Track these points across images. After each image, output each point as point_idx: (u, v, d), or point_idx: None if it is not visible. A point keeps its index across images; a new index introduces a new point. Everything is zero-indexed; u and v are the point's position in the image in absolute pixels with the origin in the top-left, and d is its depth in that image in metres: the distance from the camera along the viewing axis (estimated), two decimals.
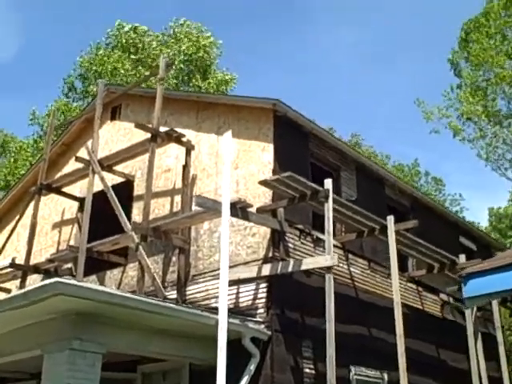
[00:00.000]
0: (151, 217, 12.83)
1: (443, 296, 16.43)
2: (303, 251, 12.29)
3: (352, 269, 13.49)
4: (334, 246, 13.11)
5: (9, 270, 16.46)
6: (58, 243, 16.30)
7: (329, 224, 10.87)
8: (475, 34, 19.98)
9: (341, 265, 12.93)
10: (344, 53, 61.62)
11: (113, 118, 16.60)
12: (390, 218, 12.59)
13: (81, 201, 16.03)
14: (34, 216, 15.27)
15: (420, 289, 15.64)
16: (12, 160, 27.52)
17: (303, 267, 11.03)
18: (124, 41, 28.41)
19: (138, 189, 14.76)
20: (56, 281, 8.09)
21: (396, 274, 12.09)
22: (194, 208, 12.61)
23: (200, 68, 28.08)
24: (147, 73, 23.66)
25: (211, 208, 10.73)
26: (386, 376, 12.99)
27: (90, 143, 14.81)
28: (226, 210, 10.24)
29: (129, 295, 9.01)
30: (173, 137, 13.20)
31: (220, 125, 13.64)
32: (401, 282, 14.93)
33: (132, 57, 27.87)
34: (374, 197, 14.73)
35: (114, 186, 14.30)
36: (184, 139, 13.43)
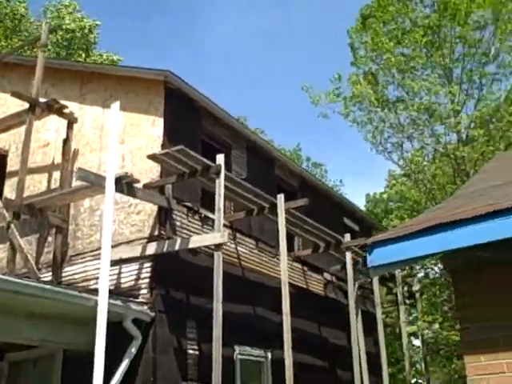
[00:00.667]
0: (26, 194, 12.01)
1: (327, 275, 16.72)
2: (191, 229, 11.96)
3: (240, 248, 13.34)
4: (223, 224, 12.95)
5: None
6: None
7: (220, 201, 10.59)
8: (371, 19, 20.47)
9: (228, 244, 12.72)
10: (241, 39, 61.33)
11: None
12: (280, 197, 12.54)
13: None
14: None
15: (305, 268, 15.80)
16: None
17: (191, 245, 10.70)
18: None
19: (12, 164, 13.78)
20: None
21: (285, 252, 12.09)
22: (75, 184, 11.97)
23: (83, 46, 26.73)
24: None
25: (94, 182, 10.13)
26: (269, 354, 13.00)
27: None
28: (110, 184, 9.68)
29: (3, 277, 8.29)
30: (54, 108, 12.39)
31: (106, 97, 12.95)
32: (287, 261, 15.05)
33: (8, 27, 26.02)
34: (263, 176, 14.63)
35: None
36: (66, 111, 12.66)
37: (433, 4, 20.98)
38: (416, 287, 18.95)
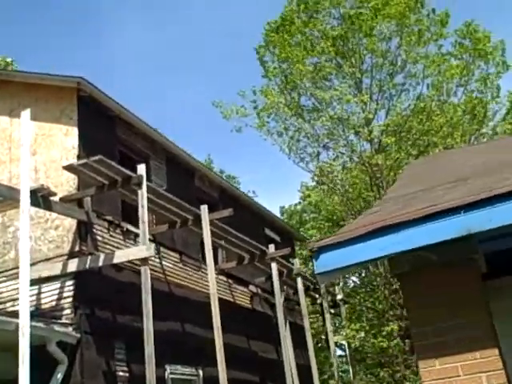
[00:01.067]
0: None
1: (252, 287, 16.36)
2: (113, 244, 11.27)
3: (164, 262, 12.73)
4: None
5: None
6: None
7: (143, 212, 10.00)
8: (278, 32, 20.48)
9: (153, 258, 12.07)
10: (138, 53, 60.22)
11: None
12: (204, 208, 12.09)
13: None
14: None
15: (230, 281, 15.36)
16: None
17: (116, 260, 10.02)
18: None
19: None
20: None
21: (212, 266, 11.62)
22: None
23: None
24: None
25: (7, 196, 9.27)
26: (201, 372, 12.44)
27: None
28: (25, 198, 8.87)
29: None
30: None
31: (14, 106, 12.05)
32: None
33: None
34: (184, 187, 14.11)
35: None
36: None
37: (340, 17, 21.26)
38: (339, 296, 18.93)
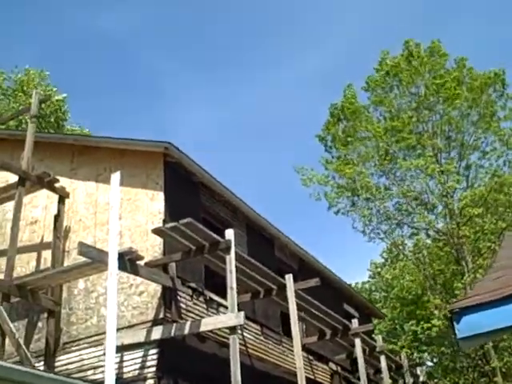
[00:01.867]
0: (14, 275, 10.79)
1: (332, 365, 15.49)
2: (196, 313, 10.85)
3: (245, 334, 12.17)
4: (226, 307, 11.85)
5: None
6: None
7: (231, 278, 9.60)
8: (342, 115, 20.61)
9: None
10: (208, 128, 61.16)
11: None
12: (289, 277, 11.61)
13: None
14: None
15: (310, 357, 14.58)
16: None
17: (203, 328, 9.56)
18: None
19: None
20: None
21: (298, 339, 11.06)
22: (68, 263, 10.88)
23: (53, 124, 25.83)
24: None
25: (96, 258, 9.06)
26: None
27: None
28: (113, 260, 8.65)
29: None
30: (44, 181, 11.42)
31: (100, 171, 12.09)
32: (291, 349, 13.87)
33: None
34: (264, 256, 13.62)
35: None
36: (57, 185, 11.69)
37: (415, 92, 20.97)
38: (422, 377, 17.76)
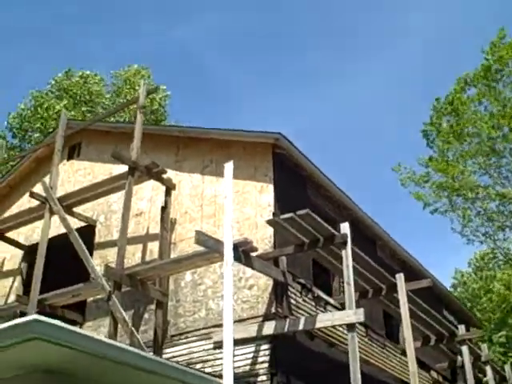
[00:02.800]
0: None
1: (433, 373, 14.79)
2: (305, 309, 10.50)
3: None
4: (333, 306, 11.45)
5: None
6: None
7: (348, 274, 9.17)
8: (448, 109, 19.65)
9: (340, 329, 11.13)
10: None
11: (70, 158, 14.54)
12: (400, 276, 11.03)
13: (26, 249, 13.74)
14: None
15: None
16: None
17: (319, 325, 9.15)
18: (73, 89, 26.40)
19: (101, 235, 12.69)
20: (34, 319, 5.92)
21: (411, 340, 10.45)
22: (174, 254, 10.74)
23: (155, 121, 26.26)
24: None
25: (212, 247, 8.83)
26: None
27: (47, 179, 12.70)
28: (229, 250, 8.38)
29: (131, 348, 6.88)
30: (152, 172, 11.33)
31: (206, 163, 11.93)
32: (395, 354, 13.31)
33: (83, 108, 25.85)
34: (367, 255, 13.16)
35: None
36: (165, 176, 11.59)
37: None
38: None
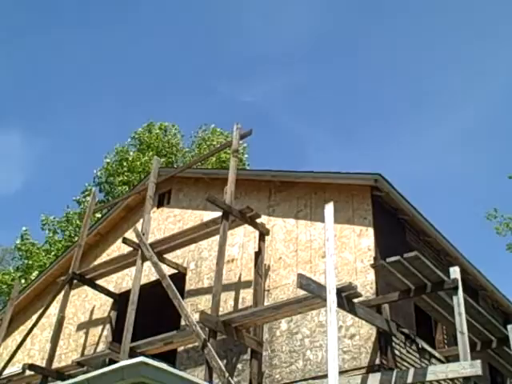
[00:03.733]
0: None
1: None
2: (409, 361, 9.75)
3: None
4: (437, 359, 10.64)
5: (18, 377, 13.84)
6: (84, 347, 13.61)
7: (461, 321, 8.46)
8: None
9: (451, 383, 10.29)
10: None
11: (160, 205, 14.52)
12: None
13: (116, 297, 13.65)
14: (62, 309, 12.75)
15: None
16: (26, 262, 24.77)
17: (431, 377, 8.41)
18: (155, 143, 27.00)
19: (191, 282, 12.42)
20: (142, 361, 5.62)
21: None
22: (268, 302, 10.30)
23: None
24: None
25: (315, 292, 8.36)
26: None
27: (139, 226, 12.66)
28: (332, 295, 7.92)
29: None
30: (247, 216, 11.06)
31: (300, 207, 11.57)
32: None
33: (162, 160, 26.28)
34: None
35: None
36: (258, 221, 11.29)
37: None
38: None
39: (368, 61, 50.83)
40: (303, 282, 8.26)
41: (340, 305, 8.43)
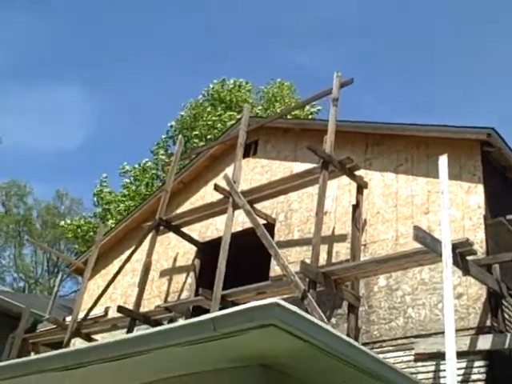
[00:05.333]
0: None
1: None
2: None
3: None
4: None
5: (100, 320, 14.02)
6: (167, 294, 13.60)
7: None
8: None
9: None
10: None
11: (246, 156, 14.20)
12: None
13: (200, 245, 13.54)
14: (149, 255, 12.72)
15: None
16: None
17: None
18: (230, 97, 26.84)
19: (280, 234, 12.16)
20: (275, 302, 5.28)
21: None
22: (364, 257, 9.92)
23: None
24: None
25: (431, 246, 7.93)
26: None
27: (229, 172, 12.43)
28: (447, 250, 7.53)
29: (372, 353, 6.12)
30: (346, 167, 10.64)
31: (400, 162, 11.06)
32: None
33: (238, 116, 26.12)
34: None
35: (248, 229, 11.84)
36: (357, 173, 10.86)
37: None
38: None
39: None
40: (419, 234, 7.85)
41: (454, 262, 7.99)
